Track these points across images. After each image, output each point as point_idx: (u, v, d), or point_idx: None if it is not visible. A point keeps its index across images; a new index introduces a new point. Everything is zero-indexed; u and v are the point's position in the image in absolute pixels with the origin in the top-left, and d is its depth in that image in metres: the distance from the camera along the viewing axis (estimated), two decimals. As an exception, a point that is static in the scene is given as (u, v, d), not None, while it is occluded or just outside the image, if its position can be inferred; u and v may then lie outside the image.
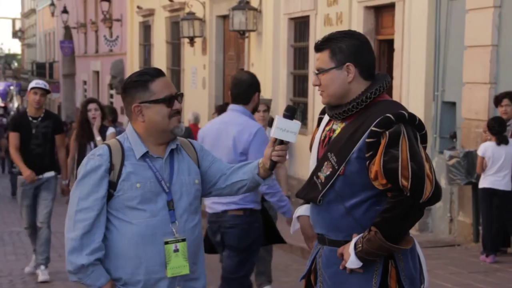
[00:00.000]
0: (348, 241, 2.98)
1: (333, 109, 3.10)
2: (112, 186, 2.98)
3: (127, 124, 3.15)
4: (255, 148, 4.63)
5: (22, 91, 43.53)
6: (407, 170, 2.84)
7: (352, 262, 2.95)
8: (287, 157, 5.59)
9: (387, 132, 2.89)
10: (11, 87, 55.29)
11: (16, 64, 65.99)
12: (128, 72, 21.98)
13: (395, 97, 9.25)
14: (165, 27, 18.85)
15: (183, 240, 3.02)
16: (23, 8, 51.05)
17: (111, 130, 7.60)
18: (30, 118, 7.33)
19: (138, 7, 20.67)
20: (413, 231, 4.15)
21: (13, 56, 73.81)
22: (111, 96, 24.67)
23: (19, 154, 7.29)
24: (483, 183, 7.62)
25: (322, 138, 3.17)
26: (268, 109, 6.86)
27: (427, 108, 9.18)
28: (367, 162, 2.92)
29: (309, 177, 3.16)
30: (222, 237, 4.85)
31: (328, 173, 3.01)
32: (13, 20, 58.39)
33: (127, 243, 2.99)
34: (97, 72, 26.61)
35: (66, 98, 31.89)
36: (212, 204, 4.85)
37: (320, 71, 3.07)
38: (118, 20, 22.94)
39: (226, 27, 15.06)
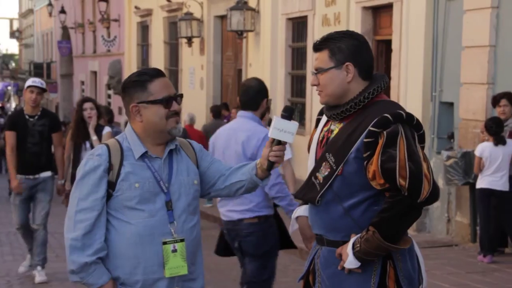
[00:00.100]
0: (346, 242, 2.98)
1: (331, 109, 3.10)
2: (111, 186, 2.98)
3: (124, 125, 3.16)
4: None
5: (19, 91, 43.44)
6: (405, 170, 2.84)
7: (350, 262, 2.95)
8: (290, 155, 5.59)
9: (384, 132, 2.89)
10: (9, 87, 55.25)
11: (13, 64, 65.92)
12: (126, 72, 21.98)
13: (393, 98, 9.25)
14: (163, 27, 18.85)
15: (182, 240, 3.02)
16: (21, 8, 51.01)
17: (107, 130, 7.50)
18: (27, 117, 7.27)
19: (136, 7, 20.67)
20: (410, 231, 4.15)
21: (10, 56, 73.73)
22: (109, 96, 24.66)
23: (13, 157, 7.20)
24: (481, 183, 7.63)
25: (320, 138, 3.17)
26: (268, 109, 6.85)
27: (424, 109, 9.18)
28: (365, 162, 2.92)
29: (307, 178, 3.16)
30: (240, 245, 4.96)
31: (326, 173, 3.01)
32: (11, 20, 58.35)
33: (126, 243, 2.99)
34: (94, 72, 26.60)
35: (64, 98, 31.88)
36: (227, 212, 4.94)
37: (319, 70, 3.07)
38: (116, 20, 22.93)
39: (224, 27, 15.06)
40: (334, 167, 2.99)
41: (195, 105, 15.39)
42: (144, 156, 3.04)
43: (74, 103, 29.41)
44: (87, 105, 7.46)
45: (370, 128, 2.91)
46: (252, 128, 4.81)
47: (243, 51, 14.41)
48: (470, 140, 8.39)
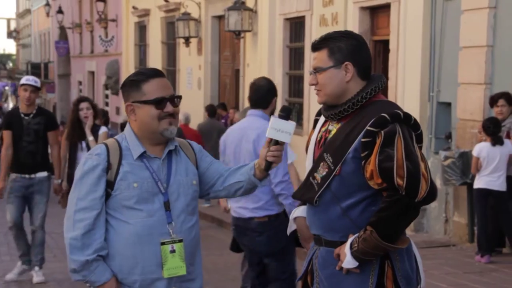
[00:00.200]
0: (344, 242, 2.98)
1: (329, 109, 3.10)
2: (110, 185, 2.99)
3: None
4: None
5: (17, 92, 43.44)
6: (402, 169, 2.84)
7: (348, 262, 2.95)
8: (294, 157, 5.61)
9: (382, 132, 2.89)
10: (6, 88, 55.19)
11: (11, 64, 65.87)
12: (123, 73, 21.96)
13: (391, 98, 9.26)
14: (161, 27, 18.85)
15: (180, 241, 3.03)
16: (18, 8, 50.98)
17: (103, 130, 7.42)
18: (22, 115, 7.18)
19: (133, 7, 20.66)
20: (408, 232, 4.16)
21: (8, 56, 73.70)
22: (107, 96, 24.65)
23: (7, 158, 7.13)
24: (478, 183, 7.63)
25: (318, 139, 3.17)
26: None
27: (422, 109, 9.19)
28: (363, 162, 2.92)
29: (305, 178, 3.16)
30: (250, 243, 5.01)
31: (324, 173, 3.01)
32: (8, 20, 58.28)
33: (124, 243, 3.00)
34: (92, 73, 26.59)
35: (61, 99, 31.85)
36: (239, 209, 4.99)
37: (318, 70, 3.07)
38: (113, 20, 22.91)
39: (222, 27, 15.06)
40: (332, 167, 2.99)
41: (193, 105, 15.38)
42: (142, 156, 3.04)
43: (71, 103, 29.28)
44: (83, 105, 7.37)
45: (367, 127, 2.91)
46: (262, 126, 4.82)
47: (241, 51, 14.41)
48: (468, 140, 8.39)
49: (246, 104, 13.94)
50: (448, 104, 8.98)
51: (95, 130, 7.33)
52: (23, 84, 7.21)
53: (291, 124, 3.03)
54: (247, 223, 4.95)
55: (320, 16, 11.44)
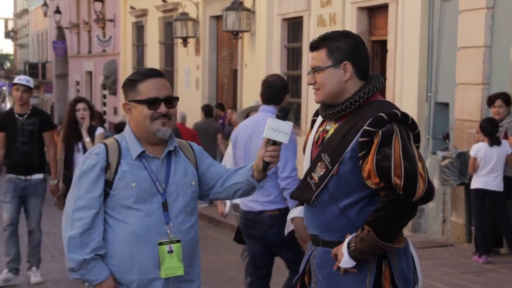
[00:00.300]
0: (341, 242, 2.98)
1: (327, 109, 3.10)
2: (108, 184, 3.00)
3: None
4: (283, 148, 4.72)
5: (14, 92, 43.34)
6: (400, 169, 2.85)
7: (346, 261, 2.95)
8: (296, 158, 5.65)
9: (380, 131, 2.89)
10: (4, 88, 55.12)
11: (8, 64, 65.78)
12: (121, 73, 21.96)
13: (389, 98, 9.26)
14: (158, 27, 18.84)
15: (178, 241, 3.03)
16: (16, 8, 50.92)
17: (99, 131, 7.27)
18: (16, 116, 7.11)
19: (131, 7, 20.65)
20: (406, 232, 4.15)
21: (5, 57, 73.63)
22: (104, 96, 24.64)
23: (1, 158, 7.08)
24: (475, 183, 7.64)
25: (316, 139, 3.17)
26: None
27: (420, 109, 9.19)
28: (360, 162, 2.92)
29: (302, 178, 3.16)
30: (262, 235, 5.04)
31: (321, 173, 3.01)
32: (6, 20, 58.26)
33: (121, 242, 3.00)
34: (90, 73, 26.57)
35: (59, 99, 31.82)
36: (249, 203, 5.03)
37: (316, 69, 3.07)
38: (111, 20, 22.90)
39: (219, 27, 15.06)
40: (330, 167, 2.99)
41: (191, 105, 15.37)
42: (141, 156, 3.05)
43: (68, 103, 29.21)
44: (80, 105, 7.21)
45: (365, 127, 2.91)
46: None
47: (239, 52, 14.41)
48: (466, 141, 8.40)
49: (244, 104, 13.98)
50: (446, 105, 8.99)
51: (91, 131, 7.19)
52: (15, 84, 7.14)
53: (288, 124, 3.03)
54: (258, 217, 4.99)
55: (318, 16, 11.44)
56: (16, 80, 7.22)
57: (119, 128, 14.68)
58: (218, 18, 15.25)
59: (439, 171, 8.33)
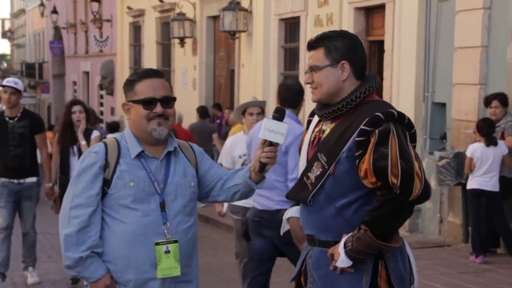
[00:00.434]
0: (338, 242, 2.98)
1: (323, 108, 3.10)
2: (107, 183, 3.01)
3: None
4: (294, 150, 4.76)
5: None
6: (397, 168, 2.85)
7: (342, 261, 2.94)
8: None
9: (376, 131, 2.90)
10: (0, 88, 55.02)
11: (5, 64, 65.75)
12: (118, 73, 21.94)
13: (386, 98, 9.26)
14: (155, 27, 18.82)
15: (175, 241, 3.02)
16: (13, 8, 50.86)
17: (95, 134, 7.20)
18: (7, 118, 6.99)
19: (128, 7, 20.64)
20: (403, 232, 4.18)
21: (2, 57, 73.54)
22: (101, 96, 24.61)
23: None
24: (471, 184, 7.64)
25: (312, 139, 3.17)
26: (262, 112, 6.84)
27: (417, 109, 9.20)
28: (357, 161, 2.93)
29: (299, 178, 3.16)
30: (276, 234, 4.94)
31: (318, 173, 3.01)
32: (3, 20, 58.18)
33: (118, 242, 3.00)
34: (87, 73, 26.55)
35: (56, 99, 31.79)
36: (265, 201, 5.02)
37: (314, 68, 3.07)
38: (108, 20, 22.88)
39: (217, 27, 15.05)
40: (326, 167, 2.99)
41: (188, 105, 15.37)
42: (140, 155, 3.05)
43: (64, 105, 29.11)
44: (76, 108, 7.14)
45: (362, 127, 2.92)
46: (289, 124, 4.90)
47: (236, 52, 14.40)
48: (463, 141, 8.40)
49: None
50: (443, 105, 8.99)
51: (87, 134, 7.11)
52: (3, 86, 7.00)
53: (284, 125, 3.03)
54: (274, 216, 4.96)
55: (315, 16, 11.44)
56: (4, 82, 7.08)
57: (112, 127, 14.70)
58: (215, 18, 15.24)
59: (436, 171, 8.33)
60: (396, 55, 9.52)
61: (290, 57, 12.81)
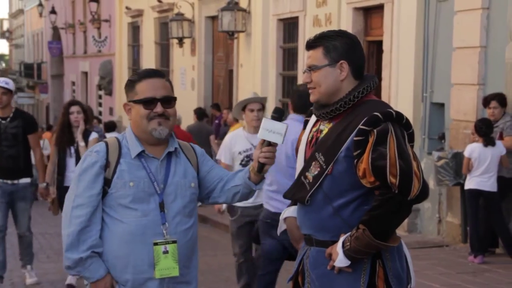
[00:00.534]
0: (335, 242, 2.98)
1: (321, 108, 3.10)
2: (107, 183, 3.01)
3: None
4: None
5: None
6: (395, 168, 2.85)
7: (340, 260, 2.94)
8: None
9: (375, 130, 2.90)
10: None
11: (3, 64, 65.70)
12: (116, 73, 21.93)
13: (384, 98, 9.27)
14: (154, 27, 18.82)
15: (174, 242, 3.02)
16: (11, 8, 50.84)
17: (93, 136, 7.10)
18: None
19: (126, 7, 20.63)
20: (401, 232, 4.18)
21: (0, 57, 73.48)
22: (100, 97, 24.60)
23: None
24: (469, 184, 7.64)
25: (309, 139, 3.17)
26: (263, 108, 6.80)
27: (415, 109, 9.20)
28: (355, 161, 2.93)
29: (296, 178, 3.16)
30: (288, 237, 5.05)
31: (316, 173, 3.01)
32: (1, 20, 58.13)
33: (117, 241, 3.01)
34: (85, 73, 26.53)
35: (55, 99, 31.78)
36: (277, 204, 5.05)
37: (312, 68, 3.07)
38: (106, 20, 22.87)
39: (215, 28, 15.05)
40: (324, 166, 2.99)
41: (187, 105, 15.37)
42: (141, 155, 3.05)
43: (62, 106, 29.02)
44: (74, 108, 7.06)
45: (360, 126, 2.92)
46: (301, 131, 4.94)
47: (234, 52, 14.40)
48: (461, 141, 8.40)
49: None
50: (441, 105, 9.00)
51: (86, 135, 7.04)
52: None
53: (282, 125, 3.03)
54: None
55: (314, 16, 11.44)
56: None
57: (109, 126, 14.68)
58: (213, 18, 15.24)
59: (435, 171, 8.33)
60: (395, 55, 9.52)
61: (289, 57, 12.81)
